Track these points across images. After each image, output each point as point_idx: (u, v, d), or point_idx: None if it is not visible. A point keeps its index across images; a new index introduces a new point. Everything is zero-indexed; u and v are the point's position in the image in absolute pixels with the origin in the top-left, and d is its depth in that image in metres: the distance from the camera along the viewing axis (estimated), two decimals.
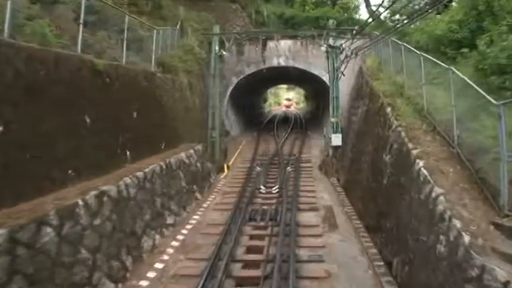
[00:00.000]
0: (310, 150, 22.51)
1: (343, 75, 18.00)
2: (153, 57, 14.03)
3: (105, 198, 7.44)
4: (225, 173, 17.46)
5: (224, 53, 17.98)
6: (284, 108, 60.81)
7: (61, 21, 10.24)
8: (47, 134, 7.17)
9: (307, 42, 26.26)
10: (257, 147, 23.30)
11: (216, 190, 15.02)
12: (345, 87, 19.90)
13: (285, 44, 25.53)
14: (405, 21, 11.83)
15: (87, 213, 6.81)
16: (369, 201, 11.52)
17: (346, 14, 30.71)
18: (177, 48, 18.96)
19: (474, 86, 7.63)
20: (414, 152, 8.61)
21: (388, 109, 11.38)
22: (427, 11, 9.99)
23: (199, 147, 14.76)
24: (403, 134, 9.63)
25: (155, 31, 14.25)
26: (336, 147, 17.14)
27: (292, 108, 60.87)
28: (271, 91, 63.22)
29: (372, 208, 11.04)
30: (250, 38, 26.44)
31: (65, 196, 6.80)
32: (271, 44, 26.03)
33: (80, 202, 6.76)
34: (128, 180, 8.55)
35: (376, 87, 13.87)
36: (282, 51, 25.07)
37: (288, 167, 17.18)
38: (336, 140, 16.98)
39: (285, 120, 40.79)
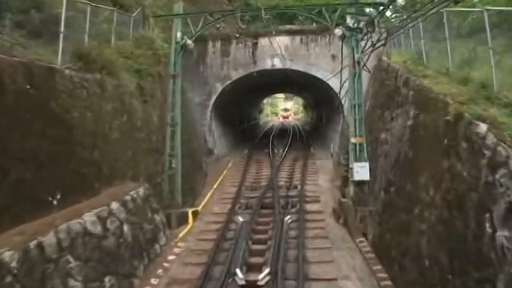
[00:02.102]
0: (317, 177, 16.80)
1: (369, 71, 12.52)
2: (60, 44, 8.52)
3: None
4: (188, 226, 11.35)
5: (189, 41, 12.44)
6: (282, 119, 59.60)
7: None
8: None
9: (308, 39, 21.39)
10: (246, 173, 17.64)
11: (159, 273, 8.40)
12: None
13: (281, 41, 20.34)
14: None
15: None
16: None
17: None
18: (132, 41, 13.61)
19: None
20: None
21: (482, 128, 5.81)
22: None
23: (140, 191, 8.99)
24: None
25: (65, 1, 8.71)
26: (360, 183, 11.31)
27: (290, 119, 60.71)
28: (268, 101, 59.93)
29: None
30: (239, 34, 21.31)
31: None
32: (263, 41, 21.05)
33: None
34: None
35: (431, 88, 8.32)
36: (277, 50, 19.71)
37: (287, 217, 11.23)
38: (361, 172, 11.09)
39: (282, 133, 35.65)
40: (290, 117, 61.48)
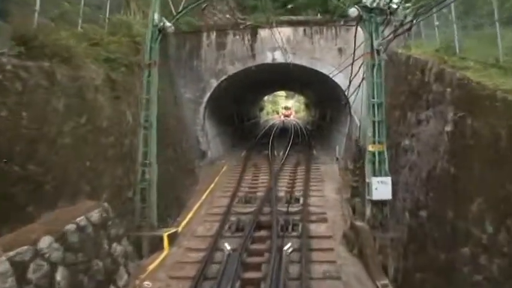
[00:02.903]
0: (322, 187, 14.66)
1: (390, 59, 10.40)
2: None
3: None
4: (162, 256, 8.89)
5: (168, 24, 10.33)
6: (283, 118, 58.50)
7: None
8: None
9: (312, 30, 19.47)
10: (241, 180, 15.51)
11: None
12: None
13: (283, 32, 18.33)
14: None
15: None
16: None
17: None
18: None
19: None
20: None
21: None
22: None
23: (92, 215, 6.62)
24: None
25: None
26: (379, 204, 9.04)
27: (291, 118, 58.96)
28: (268, 99, 58.38)
29: None
30: (235, 25, 19.28)
31: None
32: (263, 33, 19.09)
33: None
34: None
35: (481, 83, 6.22)
36: (279, 43, 17.71)
37: (287, 245, 8.72)
38: (381, 189, 8.71)
39: (283, 132, 33.89)
40: (291, 116, 60.25)
